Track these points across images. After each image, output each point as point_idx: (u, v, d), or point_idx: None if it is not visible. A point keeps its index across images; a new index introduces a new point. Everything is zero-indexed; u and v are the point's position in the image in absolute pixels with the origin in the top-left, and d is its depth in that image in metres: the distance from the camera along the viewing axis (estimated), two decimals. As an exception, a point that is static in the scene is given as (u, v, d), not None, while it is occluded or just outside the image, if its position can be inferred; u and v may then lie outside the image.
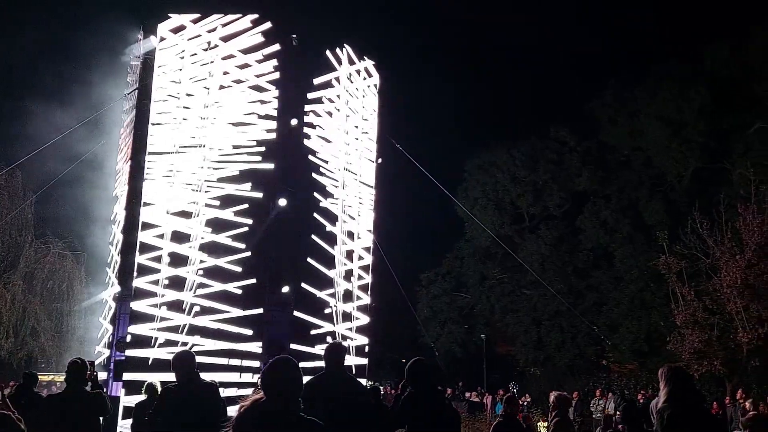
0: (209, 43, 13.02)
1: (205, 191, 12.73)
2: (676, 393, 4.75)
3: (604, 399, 19.05)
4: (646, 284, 26.81)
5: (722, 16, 33.27)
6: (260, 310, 12.45)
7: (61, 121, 16.32)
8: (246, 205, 12.62)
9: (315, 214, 13.78)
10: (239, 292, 12.26)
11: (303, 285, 13.11)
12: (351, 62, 14.82)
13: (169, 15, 12.96)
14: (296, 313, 12.84)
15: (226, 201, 12.76)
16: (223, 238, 12.46)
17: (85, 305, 22.12)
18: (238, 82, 13.16)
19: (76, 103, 15.95)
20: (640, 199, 29.43)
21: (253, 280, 12.34)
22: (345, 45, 14.57)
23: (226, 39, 13.01)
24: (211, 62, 13.05)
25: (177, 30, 12.96)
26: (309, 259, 13.34)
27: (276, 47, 13.00)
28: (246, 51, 13.03)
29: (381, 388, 16.11)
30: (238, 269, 12.30)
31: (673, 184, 29.30)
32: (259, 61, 13.04)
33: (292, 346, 12.34)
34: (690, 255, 21.45)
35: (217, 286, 12.21)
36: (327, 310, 13.62)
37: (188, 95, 13.03)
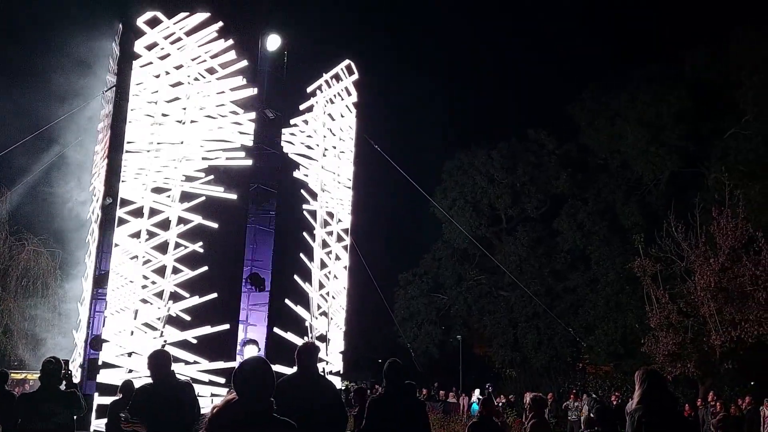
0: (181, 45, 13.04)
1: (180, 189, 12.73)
2: (649, 395, 4.82)
3: (578, 401, 19.19)
4: (621, 287, 27.06)
5: (702, 23, 33.77)
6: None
7: (37, 114, 16.09)
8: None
9: (294, 213, 13.83)
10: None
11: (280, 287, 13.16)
12: (330, 65, 14.90)
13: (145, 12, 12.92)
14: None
15: (201, 206, 12.80)
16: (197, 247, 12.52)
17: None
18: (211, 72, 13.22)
19: (54, 97, 15.74)
20: (617, 202, 29.71)
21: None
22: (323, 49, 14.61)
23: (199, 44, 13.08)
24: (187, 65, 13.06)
25: (153, 24, 12.90)
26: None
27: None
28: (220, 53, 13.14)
29: (368, 389, 16.11)
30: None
31: (650, 188, 29.61)
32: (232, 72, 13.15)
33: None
34: (665, 258, 21.68)
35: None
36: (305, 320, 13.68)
37: (166, 102, 13.02)
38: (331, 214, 14.97)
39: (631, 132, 28.37)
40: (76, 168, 16.12)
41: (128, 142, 12.60)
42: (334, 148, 15.35)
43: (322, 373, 6.77)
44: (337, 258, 14.86)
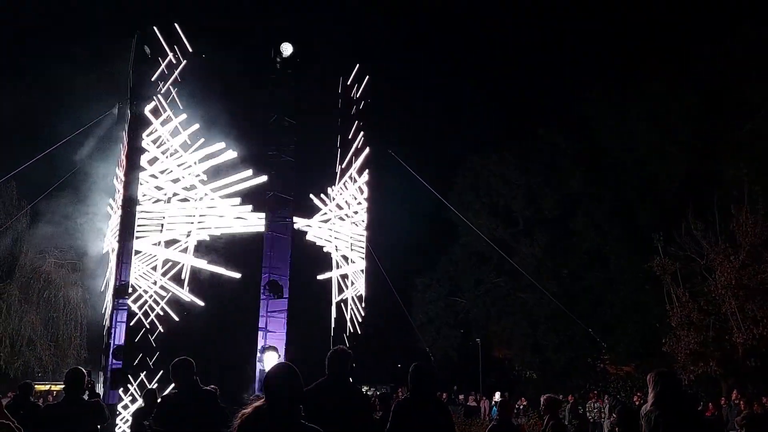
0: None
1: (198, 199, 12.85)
2: (663, 396, 4.82)
3: (599, 402, 19.09)
4: (640, 286, 26.81)
5: (710, 19, 33.49)
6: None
7: (56, 131, 16.37)
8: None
9: (311, 221, 13.89)
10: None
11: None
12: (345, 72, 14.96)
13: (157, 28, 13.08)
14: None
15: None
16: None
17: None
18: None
19: (73, 114, 16.02)
20: (632, 201, 29.47)
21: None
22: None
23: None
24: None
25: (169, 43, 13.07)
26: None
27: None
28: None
29: (391, 395, 16.12)
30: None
31: (666, 185, 29.33)
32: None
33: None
34: (684, 256, 21.53)
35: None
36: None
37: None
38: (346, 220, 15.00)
39: (644, 130, 28.19)
40: (96, 183, 16.35)
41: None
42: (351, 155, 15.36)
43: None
44: (352, 261, 14.90)
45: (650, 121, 27.98)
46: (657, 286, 23.30)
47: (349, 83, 15.07)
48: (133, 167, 12.55)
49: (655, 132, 27.87)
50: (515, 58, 56.02)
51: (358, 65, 14.98)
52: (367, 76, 15.13)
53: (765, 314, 18.92)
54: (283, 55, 13.64)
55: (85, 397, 6.45)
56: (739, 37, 25.96)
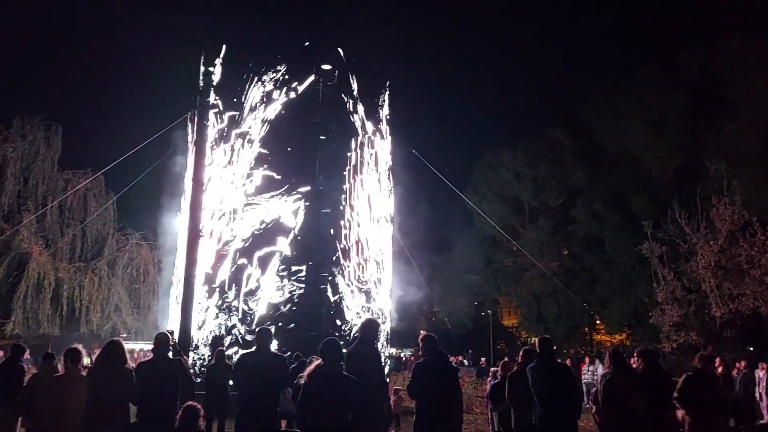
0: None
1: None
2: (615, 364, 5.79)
3: (592, 365, 19.23)
4: (632, 266, 26.79)
5: (694, 28, 32.97)
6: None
7: (137, 132, 16.99)
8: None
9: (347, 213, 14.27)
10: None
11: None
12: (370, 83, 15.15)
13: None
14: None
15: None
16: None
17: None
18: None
19: (152, 118, 16.63)
20: (627, 193, 29.28)
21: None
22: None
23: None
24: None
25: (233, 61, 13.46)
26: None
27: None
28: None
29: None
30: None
31: (657, 179, 29.11)
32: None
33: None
34: (670, 241, 21.49)
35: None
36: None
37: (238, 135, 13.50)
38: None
39: (637, 129, 27.98)
40: (171, 175, 16.94)
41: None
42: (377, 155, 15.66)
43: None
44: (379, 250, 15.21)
45: (644, 121, 27.78)
46: (646, 266, 23.32)
47: (379, 101, 15.32)
48: (199, 171, 12.81)
49: (647, 131, 27.69)
50: (524, 66, 55.60)
51: (388, 82, 15.23)
52: (387, 92, 15.31)
53: (740, 291, 18.88)
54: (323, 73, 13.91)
55: (170, 355, 6.91)
56: (722, 47, 25.57)
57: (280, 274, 13.21)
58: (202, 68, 13.69)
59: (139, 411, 5.91)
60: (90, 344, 18.84)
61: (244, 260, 13.12)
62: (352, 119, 14.67)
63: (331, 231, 13.74)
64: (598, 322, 30.13)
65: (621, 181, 29.88)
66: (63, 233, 22.57)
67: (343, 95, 14.20)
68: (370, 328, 5.83)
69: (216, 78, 13.50)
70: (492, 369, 11.14)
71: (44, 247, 21.44)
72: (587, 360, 19.64)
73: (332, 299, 13.46)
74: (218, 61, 13.55)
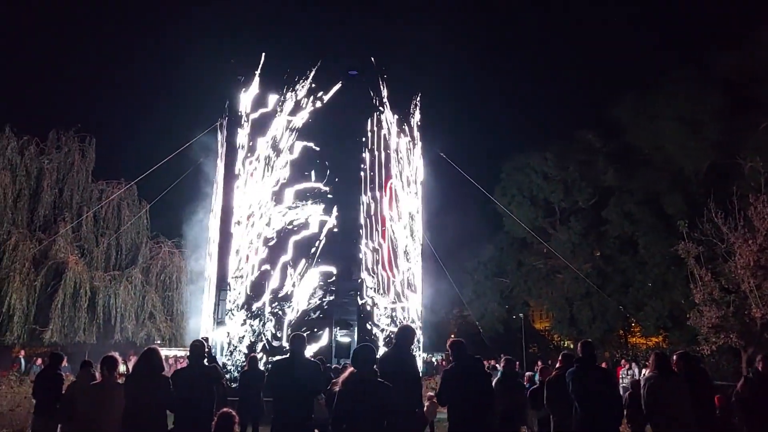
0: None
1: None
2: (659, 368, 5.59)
3: (630, 368, 18.85)
4: (667, 267, 26.22)
5: (725, 26, 32.21)
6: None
7: (167, 142, 17.31)
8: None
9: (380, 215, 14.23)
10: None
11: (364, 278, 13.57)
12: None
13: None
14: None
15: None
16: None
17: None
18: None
19: (181, 128, 16.90)
20: (660, 193, 28.68)
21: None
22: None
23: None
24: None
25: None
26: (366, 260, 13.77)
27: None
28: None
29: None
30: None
31: (691, 178, 28.46)
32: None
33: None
34: (707, 241, 20.93)
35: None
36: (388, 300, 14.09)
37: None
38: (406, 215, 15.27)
39: (671, 129, 27.44)
40: (202, 186, 17.20)
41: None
42: (407, 158, 15.65)
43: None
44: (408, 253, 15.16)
45: (677, 120, 27.24)
46: (681, 267, 22.77)
47: (410, 108, 15.31)
48: (229, 182, 12.96)
49: (681, 131, 27.16)
50: (555, 69, 55.02)
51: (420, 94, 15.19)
52: (419, 97, 15.28)
53: (782, 291, 18.29)
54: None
55: (205, 362, 6.94)
56: (756, 43, 24.93)
57: (310, 280, 13.21)
58: (240, 77, 13.80)
59: (176, 418, 5.94)
60: (125, 351, 19.11)
61: (273, 266, 13.16)
62: (384, 126, 14.64)
63: (362, 237, 13.69)
64: (633, 324, 29.47)
65: (653, 181, 29.29)
66: (98, 242, 23.02)
67: (375, 102, 14.19)
68: (407, 334, 5.78)
69: (249, 86, 13.60)
70: (528, 373, 10.94)
71: (80, 257, 21.89)
72: (623, 363, 19.20)
73: (360, 304, 13.42)
74: (254, 71, 13.65)
